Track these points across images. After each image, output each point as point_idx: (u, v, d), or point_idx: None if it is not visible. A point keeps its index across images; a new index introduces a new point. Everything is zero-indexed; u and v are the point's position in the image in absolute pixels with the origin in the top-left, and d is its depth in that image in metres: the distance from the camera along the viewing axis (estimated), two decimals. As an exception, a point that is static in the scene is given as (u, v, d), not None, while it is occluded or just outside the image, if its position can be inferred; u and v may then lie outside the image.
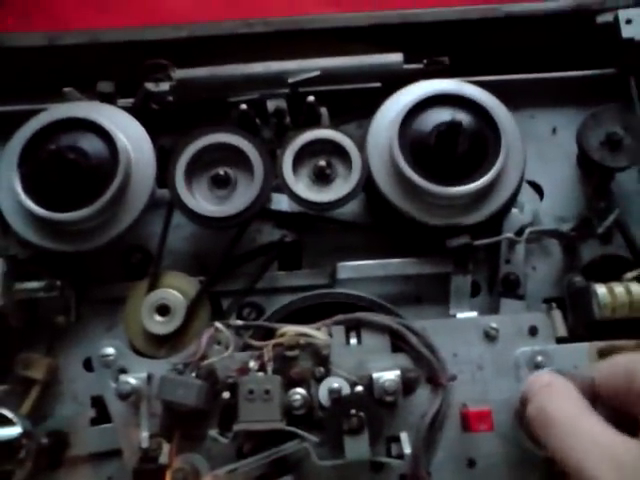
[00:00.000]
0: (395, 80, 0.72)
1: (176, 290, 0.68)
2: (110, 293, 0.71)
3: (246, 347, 0.63)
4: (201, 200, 0.68)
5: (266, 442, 0.59)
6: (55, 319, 0.69)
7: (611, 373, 0.54)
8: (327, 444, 0.58)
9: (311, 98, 0.71)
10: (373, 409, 0.58)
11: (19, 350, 0.69)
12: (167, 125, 0.74)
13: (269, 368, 0.60)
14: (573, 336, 0.65)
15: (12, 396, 0.66)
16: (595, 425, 0.50)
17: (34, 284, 0.68)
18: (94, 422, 0.68)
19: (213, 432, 0.59)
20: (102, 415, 0.67)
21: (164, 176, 0.69)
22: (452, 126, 0.64)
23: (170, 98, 0.72)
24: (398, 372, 0.60)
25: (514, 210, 0.71)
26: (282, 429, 0.57)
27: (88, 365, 0.70)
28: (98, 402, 0.68)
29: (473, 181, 0.66)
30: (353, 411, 0.57)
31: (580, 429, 0.50)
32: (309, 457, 0.58)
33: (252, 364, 0.60)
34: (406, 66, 0.72)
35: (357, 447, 0.57)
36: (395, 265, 0.70)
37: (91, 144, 0.67)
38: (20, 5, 0.87)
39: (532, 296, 0.71)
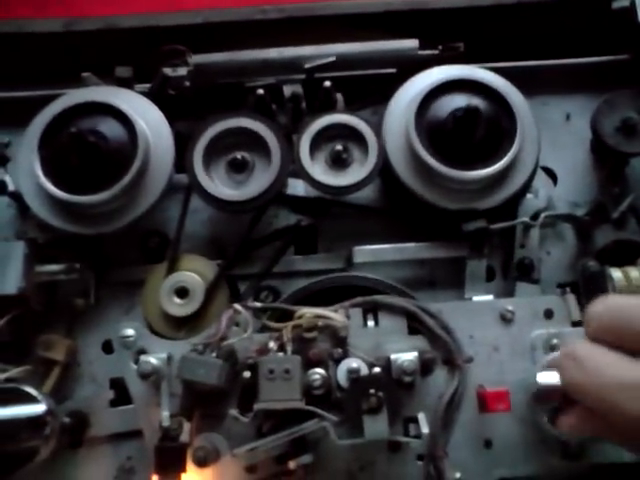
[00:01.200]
0: (410, 66, 0.73)
1: (194, 273, 0.68)
2: (128, 276, 0.72)
3: (264, 328, 0.64)
4: (219, 184, 0.69)
5: (285, 421, 0.60)
6: (74, 302, 0.70)
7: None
8: (346, 423, 0.59)
9: (327, 83, 0.71)
10: (392, 389, 0.59)
11: (39, 332, 0.70)
12: (183, 110, 0.74)
13: (288, 349, 0.60)
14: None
15: (33, 376, 0.66)
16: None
17: (54, 267, 0.68)
18: (113, 403, 0.68)
19: (233, 411, 0.59)
20: (121, 396, 0.68)
21: (181, 161, 0.70)
22: (469, 111, 0.65)
23: (187, 83, 0.73)
24: (416, 353, 0.61)
25: (529, 195, 0.72)
26: (302, 408, 0.58)
27: (107, 347, 0.70)
28: (117, 384, 0.68)
29: (489, 166, 0.66)
30: (372, 391, 0.58)
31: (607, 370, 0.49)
32: (328, 436, 0.59)
33: (272, 345, 0.61)
34: (421, 52, 0.73)
35: (376, 427, 0.58)
36: (411, 249, 0.71)
37: (110, 128, 0.67)
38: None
39: (546, 280, 0.72)
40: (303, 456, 0.60)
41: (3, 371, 0.65)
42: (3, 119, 0.76)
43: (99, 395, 0.68)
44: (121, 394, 0.68)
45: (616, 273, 0.64)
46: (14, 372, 0.65)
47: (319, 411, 0.58)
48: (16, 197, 0.72)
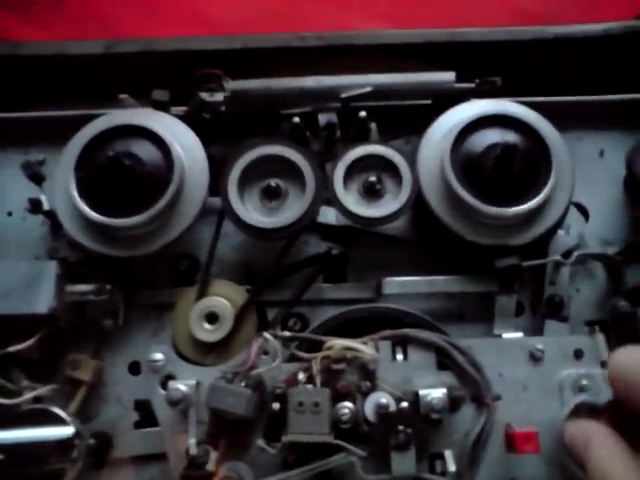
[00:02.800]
0: (445, 98, 0.73)
1: (224, 298, 0.68)
2: (157, 299, 0.72)
3: (292, 358, 0.64)
4: (252, 211, 0.69)
5: (311, 454, 0.60)
6: (103, 322, 0.70)
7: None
8: (373, 459, 0.59)
9: (363, 114, 0.71)
10: (420, 426, 0.58)
11: (66, 351, 0.70)
12: (217, 134, 0.75)
13: (317, 381, 0.60)
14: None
15: (60, 396, 0.67)
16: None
17: (85, 287, 0.69)
18: (137, 425, 0.69)
19: (260, 442, 0.59)
20: (145, 419, 0.68)
21: (214, 185, 0.70)
22: (507, 149, 0.65)
23: (223, 108, 0.73)
24: (445, 390, 0.60)
25: (560, 231, 0.72)
26: (331, 442, 0.58)
27: (133, 369, 0.71)
28: (142, 406, 0.69)
29: (524, 202, 0.66)
30: (401, 427, 0.58)
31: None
32: (353, 471, 0.59)
33: (301, 376, 0.61)
34: (458, 85, 0.73)
35: (404, 463, 0.58)
36: (441, 282, 0.71)
37: (147, 151, 0.68)
38: (75, 12, 0.88)
39: (574, 318, 0.71)
40: (329, 491, 0.60)
41: (32, 389, 0.66)
42: (38, 137, 0.77)
43: (124, 417, 0.69)
44: (146, 416, 0.68)
45: (648, 314, 0.64)
46: (42, 390, 0.66)
47: (349, 446, 0.58)
48: (50, 216, 0.72)
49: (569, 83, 0.77)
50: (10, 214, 0.76)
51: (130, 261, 0.71)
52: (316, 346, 0.64)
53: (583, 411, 0.61)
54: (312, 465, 0.58)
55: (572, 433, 0.58)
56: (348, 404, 0.60)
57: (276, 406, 0.59)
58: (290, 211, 0.68)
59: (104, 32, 0.87)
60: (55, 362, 0.70)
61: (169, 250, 0.70)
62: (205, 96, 0.72)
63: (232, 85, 0.73)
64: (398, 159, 0.68)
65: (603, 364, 0.64)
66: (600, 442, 0.53)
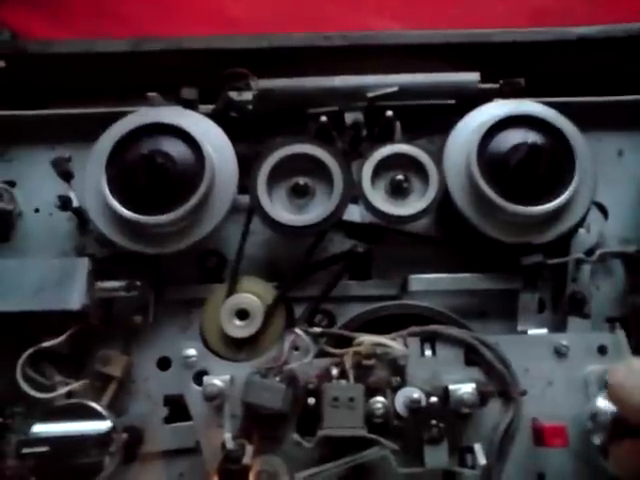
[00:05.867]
0: (469, 98, 0.74)
1: (254, 295, 0.69)
2: (185, 295, 0.73)
3: (322, 354, 0.65)
4: (280, 208, 0.70)
5: (344, 448, 0.61)
6: (132, 318, 0.71)
7: None
8: (406, 452, 0.60)
9: (389, 113, 0.72)
10: (452, 421, 0.60)
11: (96, 347, 0.71)
12: (244, 132, 0.75)
13: (351, 376, 0.62)
14: (636, 354, 0.66)
15: (91, 391, 0.68)
16: None
17: (115, 283, 0.69)
18: (167, 420, 0.70)
19: (296, 436, 0.60)
20: (175, 414, 0.69)
21: (241, 182, 0.71)
22: (532, 148, 0.66)
23: (250, 107, 0.74)
24: (474, 385, 0.62)
25: (581, 230, 0.73)
26: (365, 436, 0.59)
27: (162, 364, 0.72)
28: (171, 401, 0.70)
29: (549, 201, 0.67)
30: (434, 422, 0.59)
31: None
32: (386, 464, 0.60)
33: (334, 371, 0.62)
34: (482, 85, 0.74)
35: (436, 456, 0.59)
36: (465, 279, 0.72)
37: (178, 150, 0.68)
38: (93, 12, 0.89)
39: (595, 315, 0.72)
40: (363, 484, 0.61)
41: (65, 384, 0.66)
42: (65, 135, 0.77)
43: (154, 412, 0.69)
44: (175, 411, 0.69)
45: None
46: (74, 386, 0.67)
47: (383, 440, 0.59)
48: (78, 213, 0.73)
49: (589, 84, 0.78)
50: (37, 211, 0.77)
51: (158, 258, 0.71)
52: (344, 342, 0.65)
53: None
54: (347, 459, 0.59)
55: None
56: (381, 399, 0.61)
57: (311, 401, 0.60)
58: (317, 209, 0.69)
59: (122, 30, 0.88)
60: (84, 358, 0.71)
61: (197, 247, 0.71)
62: (234, 95, 0.73)
63: (260, 84, 0.74)
64: (425, 158, 0.69)
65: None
66: None
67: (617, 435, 0.59)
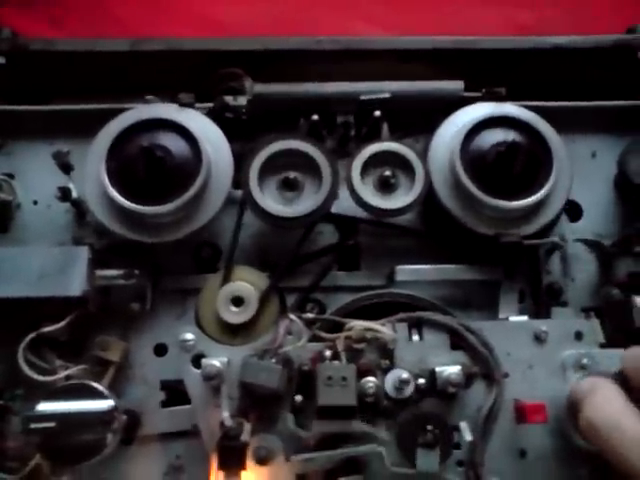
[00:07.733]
0: (454, 103, 0.78)
1: (248, 283, 0.72)
2: (181, 284, 0.76)
3: (315, 339, 0.68)
4: (270, 200, 0.73)
5: (340, 440, 0.64)
6: (130, 306, 0.73)
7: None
8: (399, 452, 0.64)
9: (378, 113, 0.76)
10: (448, 429, 0.63)
11: (92, 334, 0.73)
12: (238, 131, 0.78)
13: (343, 358, 0.65)
14: (610, 342, 0.71)
15: (90, 375, 0.70)
16: (636, 424, 0.56)
17: (114, 272, 0.72)
18: (164, 404, 0.72)
19: (291, 423, 0.63)
20: (171, 398, 0.72)
21: (236, 179, 0.74)
22: (511, 146, 0.70)
23: (244, 111, 0.77)
24: (460, 366, 0.65)
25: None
26: (354, 406, 0.62)
27: (158, 350, 0.74)
28: (167, 386, 0.72)
29: (528, 196, 0.72)
30: (430, 427, 0.63)
31: (623, 429, 0.56)
32: (379, 461, 0.63)
33: (327, 353, 0.65)
34: (465, 94, 0.78)
35: (428, 461, 0.62)
36: (449, 270, 0.76)
37: (176, 144, 0.71)
38: (87, 14, 0.92)
39: (571, 305, 0.77)
40: (353, 476, 0.64)
41: (65, 368, 0.68)
42: (63, 130, 0.80)
43: (151, 396, 0.72)
44: (171, 395, 0.72)
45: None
46: (74, 370, 0.69)
47: (370, 429, 0.63)
48: (77, 204, 0.75)
49: (565, 89, 0.83)
50: (35, 203, 0.79)
51: (155, 248, 0.74)
52: (335, 329, 0.68)
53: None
54: (343, 450, 0.63)
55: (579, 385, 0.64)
56: (372, 378, 0.64)
57: (299, 398, 0.64)
58: (306, 202, 0.73)
59: (116, 30, 0.91)
60: (82, 344, 0.73)
61: (192, 238, 0.74)
62: (229, 100, 0.76)
63: (255, 89, 0.77)
64: (411, 155, 0.73)
65: (601, 345, 0.70)
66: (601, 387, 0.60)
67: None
